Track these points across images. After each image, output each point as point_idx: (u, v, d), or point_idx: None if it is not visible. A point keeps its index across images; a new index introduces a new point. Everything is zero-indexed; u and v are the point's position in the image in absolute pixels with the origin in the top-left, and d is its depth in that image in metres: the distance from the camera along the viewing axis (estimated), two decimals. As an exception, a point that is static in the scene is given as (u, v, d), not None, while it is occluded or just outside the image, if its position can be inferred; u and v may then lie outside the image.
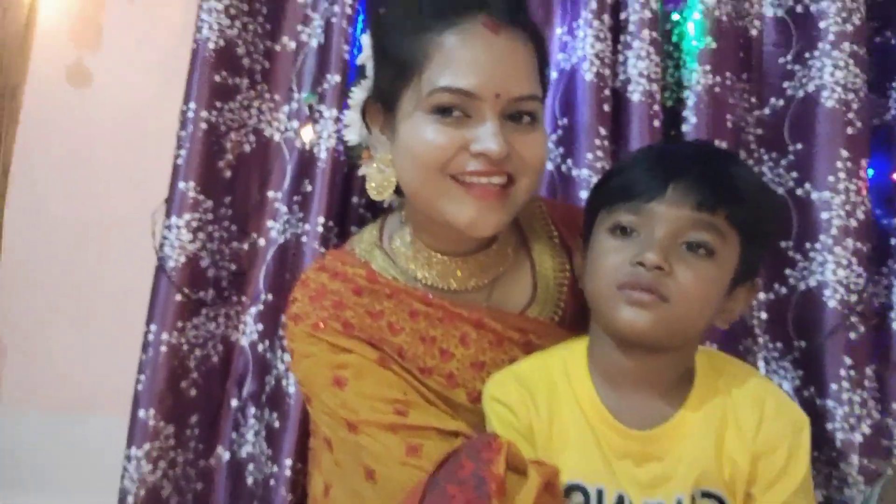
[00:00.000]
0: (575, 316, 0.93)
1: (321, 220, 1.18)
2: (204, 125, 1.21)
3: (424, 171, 0.80)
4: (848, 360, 1.20)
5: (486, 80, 0.77)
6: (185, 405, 1.18)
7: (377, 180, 0.89)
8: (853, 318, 1.22)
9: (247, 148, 1.28)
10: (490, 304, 0.91)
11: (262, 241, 1.29)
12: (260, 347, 1.25)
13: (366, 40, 0.94)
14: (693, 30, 1.32)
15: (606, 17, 1.28)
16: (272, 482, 1.10)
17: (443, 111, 0.78)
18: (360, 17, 1.26)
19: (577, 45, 1.30)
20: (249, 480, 1.20)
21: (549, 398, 0.81)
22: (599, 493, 0.75)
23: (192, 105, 1.22)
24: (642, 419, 0.76)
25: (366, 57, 0.93)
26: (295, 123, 1.30)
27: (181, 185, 1.20)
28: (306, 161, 1.25)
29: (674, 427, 0.76)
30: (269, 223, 1.29)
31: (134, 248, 1.46)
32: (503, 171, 0.79)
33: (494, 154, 0.76)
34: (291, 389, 1.12)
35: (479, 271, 0.90)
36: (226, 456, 1.24)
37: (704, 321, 0.78)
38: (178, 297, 1.17)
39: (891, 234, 1.30)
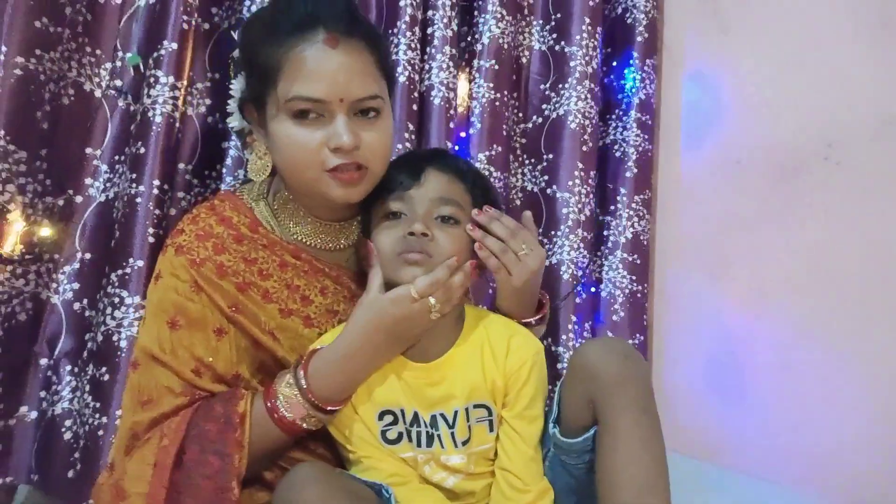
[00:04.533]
0: None
1: (157, 182, 1.20)
2: (19, 71, 1.14)
3: (300, 166, 0.96)
4: (574, 318, 1.62)
5: (330, 89, 0.92)
6: (-16, 365, 1.11)
7: (258, 165, 1.04)
8: (578, 288, 1.65)
9: (65, 101, 1.23)
10: (350, 265, 1.08)
11: (79, 199, 1.25)
12: (76, 306, 1.23)
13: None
14: (482, 52, 1.61)
15: (417, 30, 1.49)
16: (100, 433, 1.11)
17: (301, 115, 0.93)
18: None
19: (392, 51, 1.49)
20: (67, 435, 1.18)
21: None
22: (402, 412, 0.99)
23: (4, 49, 1.13)
24: (429, 355, 0.99)
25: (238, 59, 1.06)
26: (118, 82, 1.28)
27: (-10, 132, 1.11)
28: (137, 123, 1.24)
29: (449, 359, 0.99)
30: (88, 180, 1.26)
31: None
32: (355, 162, 0.95)
33: (345, 145, 0.93)
34: (123, 343, 1.14)
35: (343, 236, 1.08)
36: (32, 415, 1.19)
37: None
38: (-16, 252, 1.10)
39: (604, 227, 1.74)
